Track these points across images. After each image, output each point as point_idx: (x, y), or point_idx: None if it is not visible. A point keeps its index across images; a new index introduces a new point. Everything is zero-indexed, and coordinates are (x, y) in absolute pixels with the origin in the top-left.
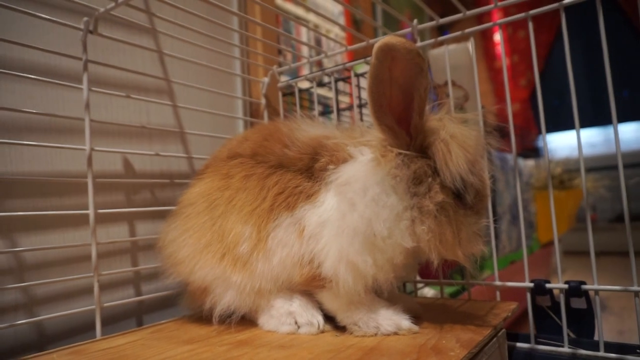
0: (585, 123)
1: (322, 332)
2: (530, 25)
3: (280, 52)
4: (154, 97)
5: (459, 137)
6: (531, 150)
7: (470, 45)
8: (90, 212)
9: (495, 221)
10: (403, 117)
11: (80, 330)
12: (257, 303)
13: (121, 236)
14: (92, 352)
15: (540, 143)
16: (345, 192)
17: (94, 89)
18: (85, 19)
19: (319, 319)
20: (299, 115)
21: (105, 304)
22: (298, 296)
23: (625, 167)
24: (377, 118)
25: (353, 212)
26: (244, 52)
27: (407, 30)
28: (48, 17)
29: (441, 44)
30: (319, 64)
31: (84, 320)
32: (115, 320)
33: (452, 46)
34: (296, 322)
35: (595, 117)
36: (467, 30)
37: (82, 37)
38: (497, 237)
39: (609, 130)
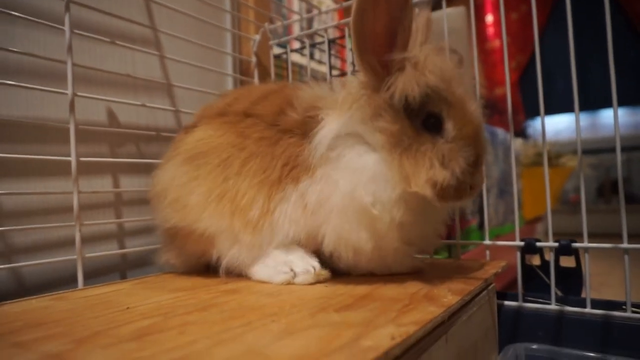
0: (571, 107)
1: (319, 280)
2: None
3: (271, 20)
4: (140, 47)
5: (429, 57)
6: (519, 131)
7: (464, 10)
8: (72, 159)
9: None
10: (387, 54)
11: (61, 281)
12: (257, 257)
13: (105, 189)
14: (74, 299)
15: (526, 124)
16: (327, 169)
17: (76, 31)
18: None
19: (314, 264)
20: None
21: (87, 255)
22: (295, 246)
23: (611, 150)
24: (361, 57)
25: (337, 191)
26: (235, 6)
27: None
28: None
29: (438, 4)
30: (309, 27)
31: (65, 271)
32: (97, 274)
33: (447, 10)
34: (292, 270)
35: (582, 101)
36: None
37: None
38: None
39: (595, 114)
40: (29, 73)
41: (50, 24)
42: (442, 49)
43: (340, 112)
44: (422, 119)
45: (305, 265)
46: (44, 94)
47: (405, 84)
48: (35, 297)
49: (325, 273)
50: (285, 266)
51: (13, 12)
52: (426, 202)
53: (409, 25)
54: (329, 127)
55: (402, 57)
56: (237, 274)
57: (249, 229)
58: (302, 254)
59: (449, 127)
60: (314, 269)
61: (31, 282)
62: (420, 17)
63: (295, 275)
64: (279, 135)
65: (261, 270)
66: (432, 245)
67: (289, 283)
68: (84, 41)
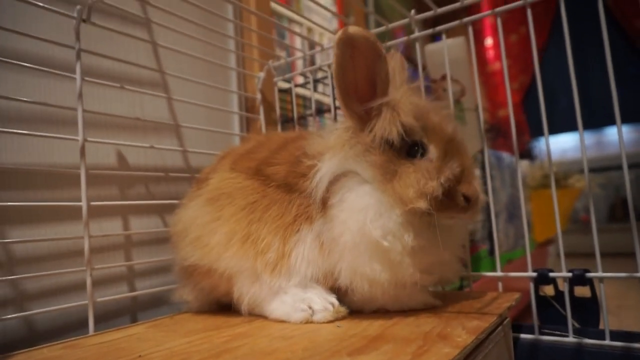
0: (576, 126)
1: (337, 317)
2: (529, 13)
3: (275, 57)
4: (148, 90)
5: (403, 98)
6: (524, 152)
7: (464, 40)
8: (83, 203)
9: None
10: (369, 101)
11: (72, 327)
12: (275, 295)
13: (115, 231)
14: (86, 347)
15: (532, 145)
16: (336, 211)
17: (87, 78)
18: (78, 7)
19: (332, 301)
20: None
21: (99, 299)
22: (313, 284)
23: (618, 168)
24: (346, 106)
25: (347, 230)
26: (239, 46)
27: (405, 21)
28: (41, 4)
29: (434, 35)
30: (313, 64)
31: (76, 316)
32: (108, 318)
33: (448, 41)
34: (310, 308)
35: (586, 120)
36: (464, 19)
37: (75, 26)
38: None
39: (600, 132)
40: (41, 120)
41: (61, 72)
42: (416, 89)
43: (334, 153)
44: (406, 149)
45: (324, 302)
46: (55, 140)
47: (383, 127)
48: (46, 345)
49: (343, 310)
50: (303, 304)
51: (25, 64)
52: (436, 224)
53: (386, 73)
54: (326, 167)
55: (381, 102)
56: (255, 313)
57: (268, 271)
58: (320, 291)
59: (431, 149)
60: (333, 306)
61: (42, 328)
62: (394, 60)
63: (313, 313)
64: (295, 181)
65: (279, 308)
66: (454, 272)
67: (307, 321)
68: (94, 87)
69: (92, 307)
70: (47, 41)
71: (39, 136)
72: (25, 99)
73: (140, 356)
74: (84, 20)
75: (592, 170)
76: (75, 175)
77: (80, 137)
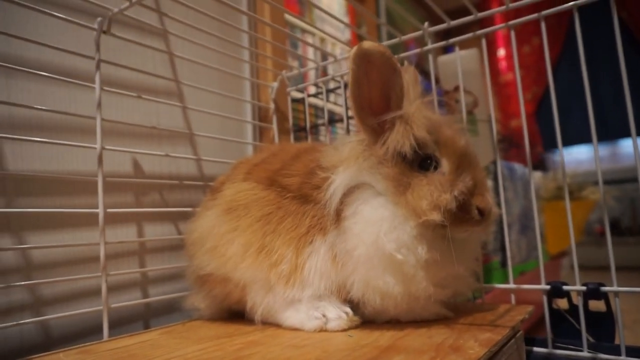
0: (590, 138)
1: (351, 326)
2: (543, 26)
3: (288, 68)
4: (164, 99)
5: (416, 112)
6: (537, 163)
7: (477, 52)
8: (100, 210)
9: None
10: (383, 114)
11: (87, 332)
12: (289, 304)
13: (129, 238)
14: (100, 352)
15: (545, 157)
16: (350, 223)
17: (106, 88)
18: (99, 19)
19: (347, 310)
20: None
21: (113, 305)
22: (327, 296)
23: (633, 180)
24: (361, 119)
25: (361, 243)
26: (253, 56)
27: (418, 33)
28: (63, 16)
29: (447, 46)
30: (325, 74)
31: (90, 322)
32: (122, 324)
33: (461, 52)
34: (324, 316)
35: (599, 132)
36: (478, 32)
37: (95, 37)
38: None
39: (614, 145)
40: (60, 129)
41: (81, 82)
42: (430, 102)
43: (347, 165)
44: (419, 162)
45: (338, 311)
46: (74, 148)
47: (396, 141)
48: (62, 350)
49: (357, 319)
50: (317, 312)
51: (47, 74)
52: (449, 238)
53: (401, 88)
54: (339, 179)
55: (394, 116)
56: (269, 322)
57: (282, 282)
58: (333, 301)
59: (444, 163)
60: (347, 315)
61: (58, 333)
62: (407, 74)
63: (327, 321)
64: (309, 193)
65: (293, 316)
66: (468, 285)
67: (321, 330)
68: (112, 96)
69: (106, 313)
70: (69, 52)
71: (59, 144)
72: (45, 108)
73: None
74: (104, 32)
75: (607, 182)
76: (92, 182)
77: (98, 145)
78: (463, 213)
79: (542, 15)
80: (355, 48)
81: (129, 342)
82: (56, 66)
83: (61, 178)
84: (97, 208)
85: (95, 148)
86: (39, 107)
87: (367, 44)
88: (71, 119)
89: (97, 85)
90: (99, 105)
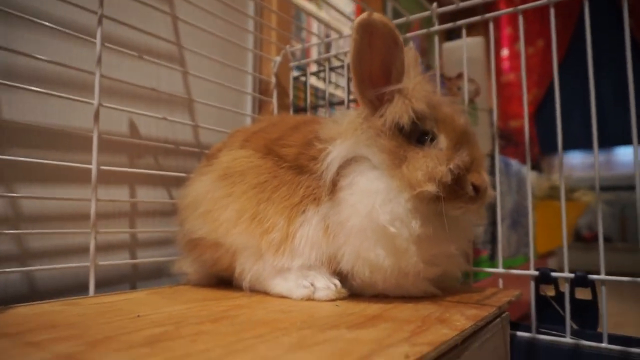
0: (586, 144)
1: (339, 297)
2: (552, 12)
3: (291, 43)
4: (165, 62)
5: (417, 86)
6: (534, 164)
7: (482, 40)
8: (93, 166)
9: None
10: (383, 88)
11: (72, 288)
12: (278, 272)
13: (121, 199)
14: (86, 305)
15: (541, 159)
16: (345, 194)
17: (107, 44)
18: None
19: (336, 282)
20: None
21: (100, 263)
22: (317, 266)
23: (626, 188)
24: (361, 92)
25: (355, 213)
26: (258, 27)
27: (427, 13)
28: None
29: (450, 34)
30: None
31: (77, 278)
32: (108, 284)
33: (466, 40)
34: (313, 285)
35: (597, 138)
36: (486, 15)
37: None
38: (495, 239)
39: (610, 152)
40: (58, 82)
41: (82, 36)
42: (430, 79)
43: (345, 138)
44: (416, 137)
45: (326, 281)
46: (70, 102)
47: (394, 112)
48: (46, 301)
49: (344, 291)
50: (306, 280)
51: (47, 23)
52: (444, 213)
53: (402, 62)
54: (337, 151)
55: (394, 89)
56: (257, 289)
57: (272, 250)
58: (323, 272)
59: (442, 139)
60: (335, 286)
61: (43, 287)
62: (409, 54)
63: (315, 290)
64: (306, 163)
65: (281, 284)
66: (459, 266)
67: (309, 298)
68: (112, 54)
69: (93, 270)
70: (70, 3)
71: (56, 96)
72: (45, 58)
73: (138, 316)
74: None
75: (600, 188)
76: (87, 139)
77: (95, 101)
78: (458, 188)
79: (552, 2)
80: (358, 18)
81: (115, 298)
82: (57, 18)
83: (57, 131)
84: (91, 164)
85: (92, 104)
86: (38, 56)
87: (370, 15)
88: (70, 74)
89: (98, 41)
90: (99, 61)
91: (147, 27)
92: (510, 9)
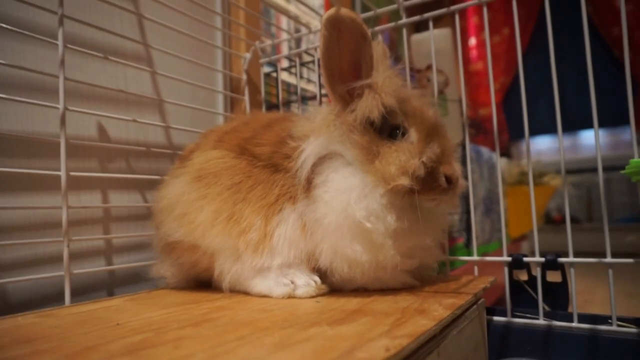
0: (553, 129)
1: (319, 294)
2: (514, 2)
3: (261, 39)
4: (132, 62)
5: (386, 81)
6: (504, 151)
7: (450, 31)
8: (62, 173)
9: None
10: (353, 83)
11: (47, 299)
12: (258, 273)
13: (94, 204)
14: (62, 316)
15: (511, 145)
16: (320, 192)
17: (69, 45)
18: None
19: (315, 279)
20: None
21: (75, 271)
22: (296, 264)
23: (592, 170)
24: (331, 87)
25: (331, 210)
26: (226, 24)
27: (394, 7)
28: None
29: (419, 26)
30: (298, 46)
31: (51, 288)
32: (84, 292)
33: (434, 31)
34: (293, 282)
35: (562, 123)
36: (452, 8)
37: None
38: (470, 227)
39: (575, 135)
40: (20, 87)
41: (43, 37)
42: (398, 74)
43: (318, 134)
44: (388, 132)
45: (307, 278)
46: (34, 107)
47: (365, 107)
48: (20, 314)
49: (324, 287)
50: (285, 278)
51: (4, 25)
52: (418, 206)
53: (371, 57)
54: (310, 148)
55: (364, 84)
56: (237, 290)
57: (250, 250)
58: (302, 269)
59: (412, 132)
60: (315, 283)
61: (16, 299)
62: (377, 48)
63: (295, 287)
64: (280, 162)
65: (261, 283)
66: (434, 257)
67: (289, 296)
68: (76, 56)
69: (68, 279)
70: (29, 4)
71: (18, 101)
72: (4, 62)
73: (118, 324)
74: None
75: (567, 172)
76: (54, 144)
77: (61, 105)
78: (431, 180)
79: None
80: (326, 14)
81: (92, 307)
82: (17, 20)
83: (21, 137)
84: (60, 171)
85: (58, 108)
86: None
87: (338, 10)
88: (32, 77)
89: (60, 42)
90: (62, 62)
91: (111, 26)
92: (474, 1)
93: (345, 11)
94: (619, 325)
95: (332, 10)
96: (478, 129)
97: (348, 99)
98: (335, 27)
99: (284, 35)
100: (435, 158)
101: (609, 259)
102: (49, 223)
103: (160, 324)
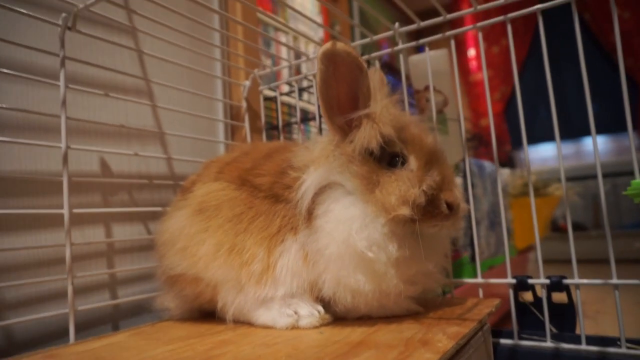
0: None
1: (323, 323)
2: (509, 28)
3: (260, 66)
4: (133, 98)
5: (384, 110)
6: (506, 161)
7: (447, 52)
8: (65, 211)
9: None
10: (351, 113)
11: (52, 336)
12: (261, 304)
13: (97, 239)
14: (66, 356)
15: (513, 155)
16: (321, 222)
17: (71, 86)
18: (63, 14)
19: (319, 309)
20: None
21: (80, 308)
22: (299, 294)
23: (596, 177)
24: (329, 119)
25: (333, 241)
26: (225, 55)
27: (389, 33)
28: (25, 11)
29: (422, 47)
30: (298, 73)
31: (56, 325)
32: (89, 327)
33: (431, 52)
34: (296, 313)
35: (565, 130)
36: (447, 33)
37: (60, 34)
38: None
39: (578, 142)
40: (22, 127)
41: (45, 80)
42: (397, 101)
43: (318, 165)
44: (387, 160)
45: (310, 308)
46: (37, 148)
47: (363, 138)
48: (26, 354)
49: (328, 317)
50: (289, 309)
51: (7, 71)
52: (419, 234)
53: (368, 88)
54: (310, 179)
55: (361, 114)
56: (240, 321)
57: (253, 282)
58: (305, 299)
59: (412, 160)
60: (319, 313)
61: (22, 339)
62: (374, 77)
63: (299, 318)
64: (281, 192)
65: (265, 314)
66: (437, 281)
67: (293, 327)
68: (77, 94)
69: (72, 316)
70: (31, 48)
71: (21, 143)
72: (5, 106)
73: None
74: (69, 28)
75: (571, 179)
76: (57, 182)
77: (63, 144)
78: (432, 207)
79: (508, 18)
80: (322, 48)
81: (96, 344)
82: (19, 63)
83: (24, 178)
84: (62, 209)
85: (60, 147)
86: (0, 105)
87: (334, 45)
88: (34, 118)
89: (61, 83)
90: (64, 103)
91: (112, 63)
92: (469, 27)
93: (341, 45)
94: (628, 347)
95: (328, 45)
96: (480, 141)
97: (347, 129)
98: (331, 61)
99: (283, 63)
100: (435, 185)
101: (614, 280)
102: (53, 260)
103: None
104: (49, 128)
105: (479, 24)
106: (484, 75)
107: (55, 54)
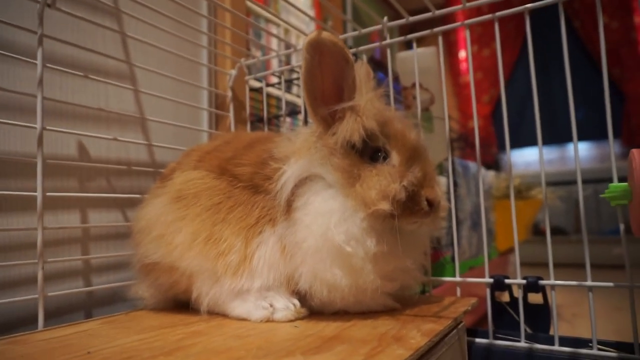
0: (544, 140)
1: (298, 317)
2: (497, 26)
3: (248, 56)
4: (114, 81)
5: (368, 103)
6: (492, 163)
7: (435, 50)
8: (38, 194)
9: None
10: (335, 105)
11: (21, 322)
12: (237, 295)
13: (72, 224)
14: (33, 342)
15: (500, 158)
16: (300, 214)
17: (49, 65)
18: None
19: (295, 302)
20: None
21: (50, 294)
22: (276, 287)
23: (583, 182)
24: (313, 110)
25: (311, 234)
26: (212, 42)
27: (378, 27)
28: None
29: (409, 43)
30: (287, 63)
31: (25, 311)
32: (61, 314)
33: (420, 50)
34: (272, 306)
35: (551, 135)
36: (435, 29)
37: (38, 10)
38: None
39: (564, 148)
40: None
41: (22, 57)
42: (383, 95)
43: (299, 156)
44: (369, 154)
45: (286, 302)
46: (11, 127)
47: (346, 130)
48: None
49: (303, 311)
50: (265, 302)
51: None
52: (398, 230)
53: (353, 80)
54: (291, 170)
55: (346, 107)
56: (215, 312)
57: (229, 273)
58: (282, 292)
59: (394, 155)
60: (294, 306)
61: None
62: (361, 69)
63: (274, 311)
64: (261, 183)
65: (240, 306)
66: (415, 279)
67: (268, 320)
68: (55, 74)
69: (42, 302)
70: (9, 24)
71: None
72: None
73: (89, 353)
74: (48, 5)
75: (555, 183)
76: (31, 164)
77: (38, 125)
78: (412, 204)
79: (496, 16)
80: (308, 38)
81: (65, 331)
82: None
83: None
84: (36, 191)
85: (35, 128)
86: None
87: (320, 34)
88: (10, 96)
89: (38, 62)
90: (41, 82)
91: (94, 44)
92: (457, 24)
93: (327, 35)
94: (599, 349)
95: (314, 34)
96: (466, 142)
97: (330, 121)
98: (317, 50)
99: (271, 53)
100: (416, 182)
101: (589, 282)
102: (24, 244)
103: (131, 352)
104: (24, 108)
105: (467, 21)
106: (469, 73)
107: (33, 31)
